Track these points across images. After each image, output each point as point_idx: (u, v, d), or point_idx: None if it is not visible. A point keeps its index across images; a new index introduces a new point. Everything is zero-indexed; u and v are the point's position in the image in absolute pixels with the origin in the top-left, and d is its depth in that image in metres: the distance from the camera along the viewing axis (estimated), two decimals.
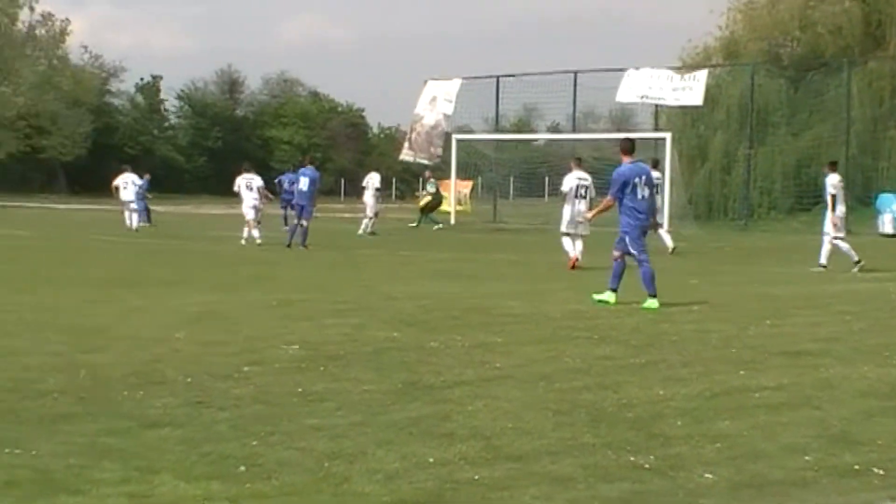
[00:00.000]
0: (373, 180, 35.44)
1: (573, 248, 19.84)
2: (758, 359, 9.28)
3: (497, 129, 46.86)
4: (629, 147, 14.17)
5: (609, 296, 13.49)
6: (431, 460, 5.95)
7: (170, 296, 13.82)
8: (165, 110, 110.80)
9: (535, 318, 12.26)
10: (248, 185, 27.79)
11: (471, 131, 49.30)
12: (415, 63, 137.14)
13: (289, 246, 24.12)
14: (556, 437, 6.53)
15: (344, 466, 5.79)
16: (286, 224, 29.99)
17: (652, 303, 13.25)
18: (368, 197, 34.72)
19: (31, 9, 79.11)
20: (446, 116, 45.22)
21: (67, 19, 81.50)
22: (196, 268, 19.19)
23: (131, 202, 33.31)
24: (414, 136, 46.87)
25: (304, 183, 25.00)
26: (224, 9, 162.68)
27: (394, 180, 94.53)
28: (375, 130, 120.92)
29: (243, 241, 25.95)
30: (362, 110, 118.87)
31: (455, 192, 42.83)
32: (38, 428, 6.36)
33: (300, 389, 7.71)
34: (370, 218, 33.92)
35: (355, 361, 8.99)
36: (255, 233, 26.24)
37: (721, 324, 11.62)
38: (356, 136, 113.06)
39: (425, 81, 47.10)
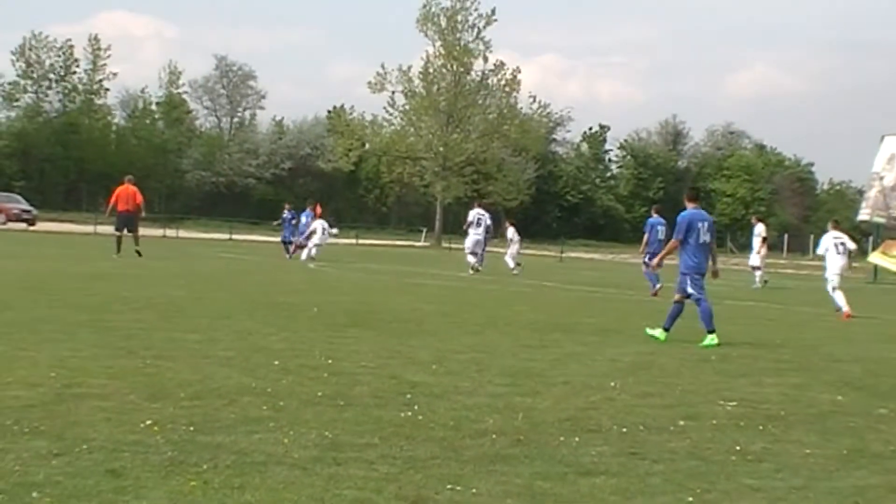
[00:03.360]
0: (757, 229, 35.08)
1: (845, 301, 22.01)
2: None
3: None
4: (694, 195, 15.80)
5: (660, 333, 14.71)
6: None
7: (605, 344, 13.88)
8: (609, 160, 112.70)
9: None
10: (479, 220, 32.86)
11: None
12: (872, 115, 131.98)
13: (656, 294, 24.97)
14: None
15: None
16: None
17: (711, 339, 14.37)
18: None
19: (485, 58, 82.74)
20: None
21: (518, 68, 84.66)
22: (632, 317, 19.21)
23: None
24: (873, 194, 44.95)
25: (661, 232, 25.55)
26: (674, 59, 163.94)
27: None
28: (825, 186, 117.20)
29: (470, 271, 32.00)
30: (811, 164, 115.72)
31: None
32: (478, 467, 6.48)
33: (738, 448, 7.45)
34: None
35: (796, 423, 8.60)
36: (472, 260, 32.11)
37: None
38: (802, 192, 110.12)
39: (882, 137, 45.09)
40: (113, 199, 32.37)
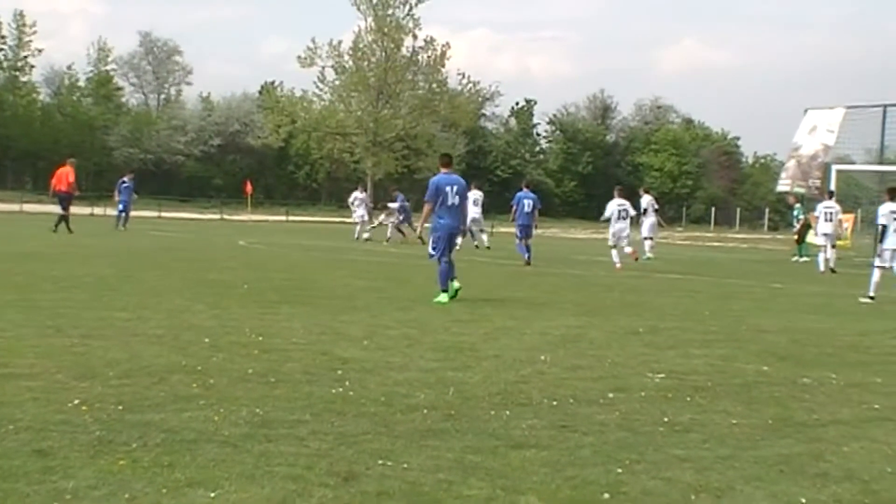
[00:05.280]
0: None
1: (619, 258, 26.69)
2: None
3: (881, 161, 44.64)
4: (447, 161, 17.00)
5: (443, 297, 15.67)
6: (804, 500, 5.65)
7: (535, 318, 13.97)
8: (537, 135, 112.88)
9: None
10: (475, 200, 33.93)
11: (851, 162, 47.33)
12: (795, 91, 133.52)
13: (528, 264, 26.42)
14: None
15: (711, 500, 5.60)
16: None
17: (442, 297, 15.63)
18: None
19: (415, 35, 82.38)
20: (826, 147, 43.55)
21: (448, 44, 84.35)
22: (562, 291, 19.33)
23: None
24: (791, 164, 45.53)
25: (527, 205, 27.44)
26: (605, 35, 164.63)
27: (766, 210, 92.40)
28: (750, 160, 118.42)
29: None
30: (737, 138, 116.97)
31: None
32: (409, 441, 6.51)
33: (666, 419, 7.55)
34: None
35: (723, 393, 8.74)
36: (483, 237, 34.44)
37: None
38: (729, 165, 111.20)
39: (805, 111, 45.66)
40: (53, 180, 34.63)
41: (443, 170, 16.58)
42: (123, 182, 40.37)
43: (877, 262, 19.84)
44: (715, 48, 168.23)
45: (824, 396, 8.87)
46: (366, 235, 39.10)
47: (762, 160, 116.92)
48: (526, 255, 26.83)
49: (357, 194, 41.96)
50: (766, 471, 6.24)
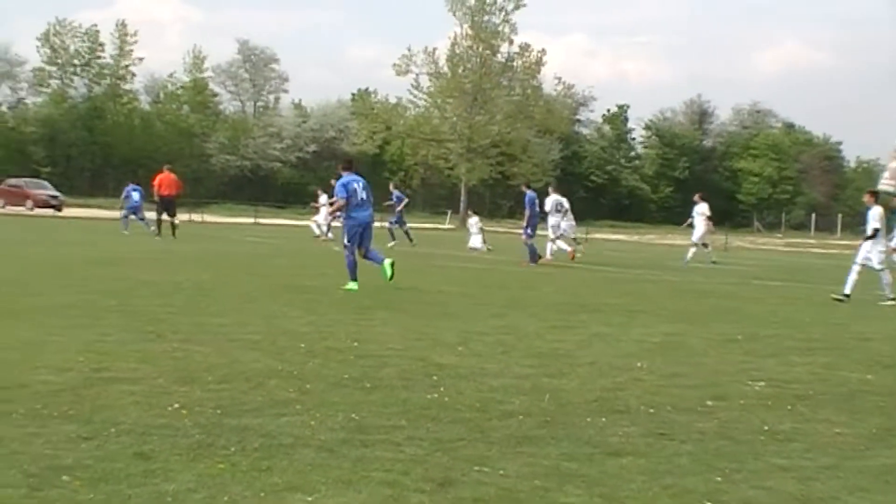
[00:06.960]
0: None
1: (565, 246, 30.07)
2: None
3: None
4: (348, 165, 18.62)
5: (352, 285, 17.13)
6: None
7: (631, 325, 13.85)
8: (632, 139, 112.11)
9: None
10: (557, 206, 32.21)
11: None
12: None
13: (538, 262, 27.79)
14: None
15: None
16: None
17: (352, 285, 17.07)
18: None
19: (511, 41, 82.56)
20: None
21: (543, 50, 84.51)
22: (658, 297, 19.15)
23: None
24: (893, 165, 44.58)
25: (538, 205, 28.84)
26: (701, 38, 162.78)
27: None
28: (852, 164, 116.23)
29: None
30: (839, 143, 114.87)
31: None
32: (505, 448, 6.48)
33: (766, 427, 7.42)
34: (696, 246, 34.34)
35: (826, 402, 8.57)
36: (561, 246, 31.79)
37: None
38: (831, 170, 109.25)
39: None
40: (158, 186, 34.69)
41: (344, 173, 18.11)
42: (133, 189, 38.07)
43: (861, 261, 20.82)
44: (816, 49, 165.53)
45: None
46: (317, 233, 40.36)
47: (865, 164, 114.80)
48: (544, 254, 28.89)
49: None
50: (871, 481, 6.11)
